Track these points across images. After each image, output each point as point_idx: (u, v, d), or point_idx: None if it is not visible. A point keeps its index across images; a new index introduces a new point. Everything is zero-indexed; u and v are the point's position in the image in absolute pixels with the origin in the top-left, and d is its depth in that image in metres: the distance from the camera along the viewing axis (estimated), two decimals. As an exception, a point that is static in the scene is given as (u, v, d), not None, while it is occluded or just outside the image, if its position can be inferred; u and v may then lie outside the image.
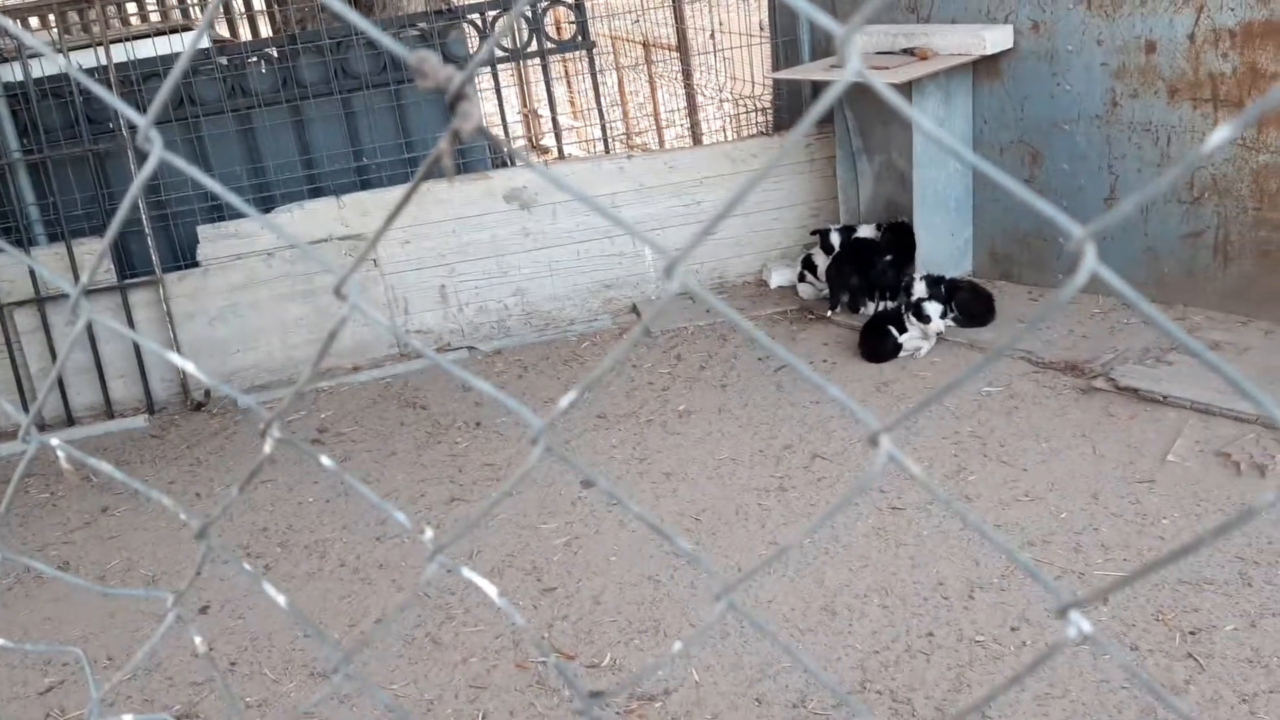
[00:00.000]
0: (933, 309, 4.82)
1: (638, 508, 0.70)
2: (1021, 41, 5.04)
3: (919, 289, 4.95)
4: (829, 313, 5.48)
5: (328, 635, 3.58)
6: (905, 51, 5.20)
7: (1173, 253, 4.81)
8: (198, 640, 1.02)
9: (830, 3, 5.85)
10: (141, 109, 5.58)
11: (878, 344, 4.95)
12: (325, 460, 0.82)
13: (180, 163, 0.73)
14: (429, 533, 0.81)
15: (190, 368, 0.88)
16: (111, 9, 6.06)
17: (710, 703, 3.04)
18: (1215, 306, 4.73)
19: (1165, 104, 4.63)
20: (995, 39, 5.00)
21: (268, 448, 0.83)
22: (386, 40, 0.64)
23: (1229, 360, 4.33)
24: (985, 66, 5.20)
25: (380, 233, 0.69)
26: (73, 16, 7.12)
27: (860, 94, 5.52)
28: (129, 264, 5.68)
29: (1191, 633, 3.01)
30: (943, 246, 5.45)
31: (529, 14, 5.95)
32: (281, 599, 0.90)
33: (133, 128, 5.48)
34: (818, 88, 6.04)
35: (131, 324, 5.61)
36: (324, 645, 3.23)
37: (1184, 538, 3.43)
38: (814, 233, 5.69)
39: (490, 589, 0.79)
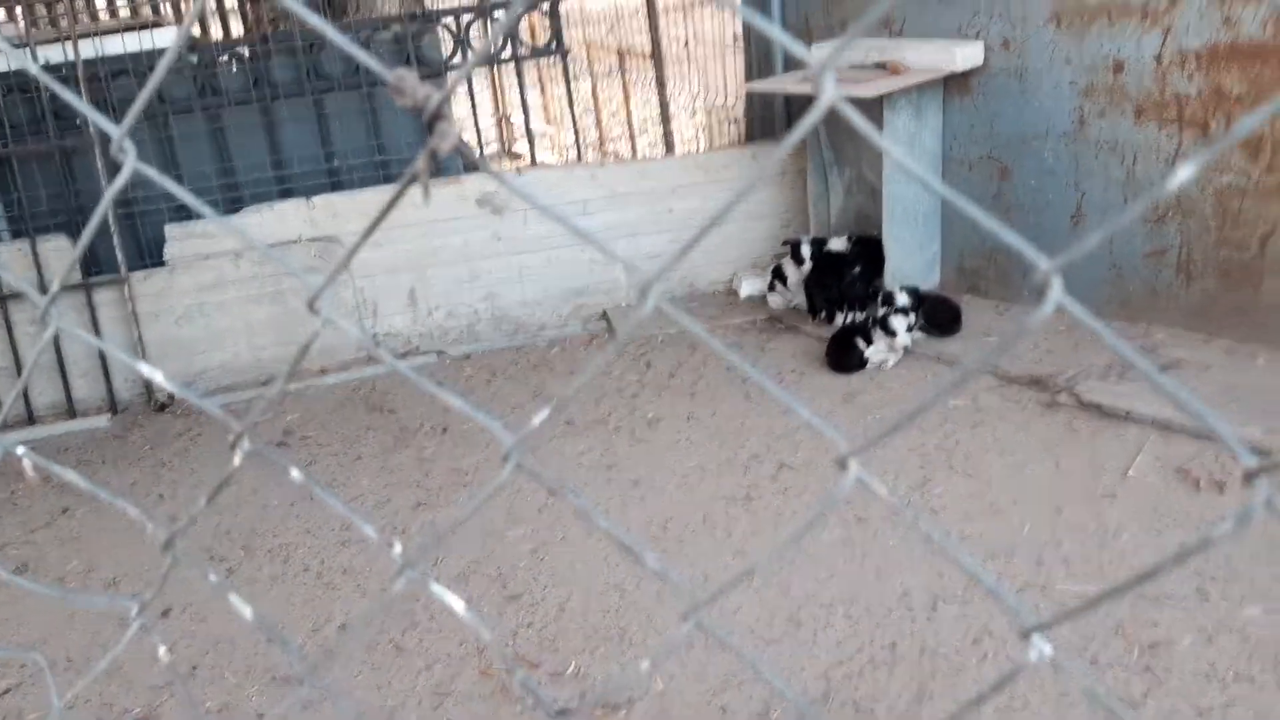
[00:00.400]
0: (898, 323, 4.86)
1: (606, 523, 0.71)
2: (992, 58, 5.09)
3: (901, 299, 4.98)
4: (812, 319, 5.51)
5: (293, 645, 3.55)
6: (877, 65, 5.24)
7: (1136, 271, 4.87)
8: (161, 650, 1.02)
9: (804, 19, 5.89)
10: (109, 106, 5.52)
11: (844, 356, 4.98)
12: (295, 473, 0.81)
13: (152, 173, 0.73)
14: (397, 547, 0.81)
15: (158, 377, 0.88)
16: (80, 3, 5.99)
17: (674, 712, 3.05)
18: (1178, 324, 4.79)
19: (1132, 123, 4.69)
20: (966, 55, 5.05)
21: (237, 460, 0.83)
22: (363, 57, 0.65)
23: (1190, 378, 4.39)
24: (956, 82, 5.25)
25: (354, 249, 0.69)
26: (40, 10, 7.04)
27: (832, 109, 5.54)
28: (94, 262, 5.61)
29: (1150, 646, 3.05)
30: (911, 260, 5.49)
31: (503, 19, 5.94)
32: (247, 611, 0.89)
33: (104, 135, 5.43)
34: (791, 100, 6.08)
35: (96, 323, 5.55)
36: (290, 655, 3.20)
37: (1144, 553, 3.47)
38: (785, 243, 5.72)
39: (458, 604, 0.79)
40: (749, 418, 4.68)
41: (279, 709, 3.16)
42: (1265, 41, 4.20)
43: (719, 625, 3.28)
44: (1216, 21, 4.31)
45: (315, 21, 0.70)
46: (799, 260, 5.56)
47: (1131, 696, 2.89)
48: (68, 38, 5.44)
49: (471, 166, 5.97)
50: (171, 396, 5.61)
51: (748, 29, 6.21)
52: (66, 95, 0.80)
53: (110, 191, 0.75)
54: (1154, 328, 4.84)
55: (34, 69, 0.85)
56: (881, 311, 4.96)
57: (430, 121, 0.62)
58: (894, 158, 0.57)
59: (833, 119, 5.69)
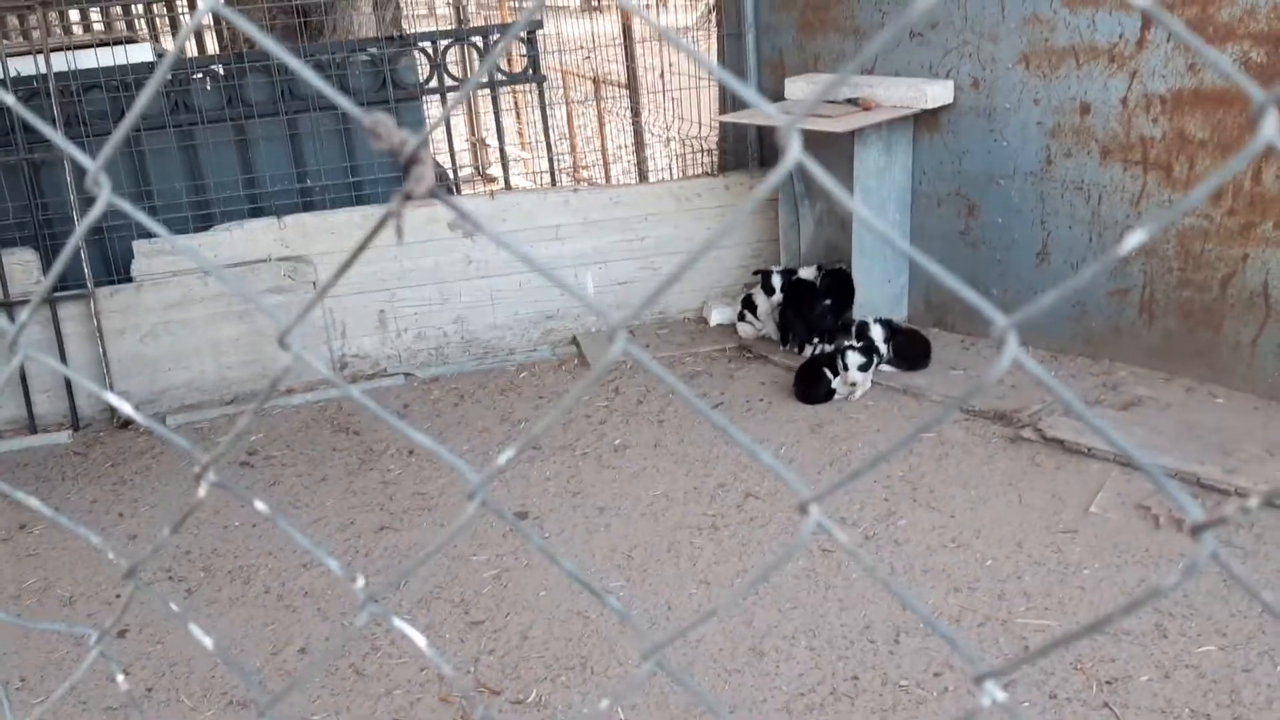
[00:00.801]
0: (852, 359, 4.90)
1: (571, 565, 0.71)
2: (962, 97, 5.17)
3: (876, 332, 5.04)
4: (782, 348, 5.56)
5: (252, 674, 3.52)
6: (849, 101, 5.30)
7: (1100, 309, 4.94)
8: (120, 677, 1.01)
9: (778, 53, 5.96)
10: (81, 120, 5.49)
11: (812, 387, 5.01)
12: (260, 505, 0.82)
13: (126, 206, 0.73)
14: (360, 580, 0.81)
15: (117, 401, 0.88)
16: (54, 16, 5.96)
17: (635, 742, 3.04)
18: (1140, 362, 4.86)
19: (1098, 164, 4.77)
20: (936, 93, 5.13)
21: (202, 491, 0.83)
22: (338, 97, 0.66)
23: (1151, 416, 4.45)
24: (926, 120, 5.33)
25: (327, 287, 0.70)
26: (12, 21, 7.00)
27: (805, 142, 5.61)
28: (60, 276, 5.56)
29: (1108, 682, 3.08)
30: (880, 292, 5.55)
31: (480, 44, 5.97)
32: (208, 641, 0.89)
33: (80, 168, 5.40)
34: (763, 131, 6.13)
35: (60, 337, 5.49)
36: (249, 686, 3.18)
37: (1104, 588, 3.51)
38: (756, 273, 5.76)
39: (420, 639, 0.79)
40: (716, 446, 4.70)
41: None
42: (1228, 88, 4.29)
43: (680, 654, 3.28)
44: (1181, 67, 4.40)
45: (288, 59, 0.71)
46: (769, 290, 5.60)
47: (1089, 732, 2.91)
48: (39, 51, 5.40)
49: (446, 190, 5.97)
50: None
51: (722, 61, 6.27)
52: (44, 128, 0.80)
53: (83, 226, 0.76)
54: (1116, 365, 4.91)
55: (6, 97, 0.86)
56: (848, 344, 5.00)
57: (406, 165, 0.63)
58: (860, 217, 0.59)
59: (806, 151, 5.75)
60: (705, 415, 0.67)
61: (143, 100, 0.71)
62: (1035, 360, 5.06)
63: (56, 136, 0.76)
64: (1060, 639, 0.68)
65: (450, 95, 5.97)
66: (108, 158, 0.71)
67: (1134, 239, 0.58)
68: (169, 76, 5.62)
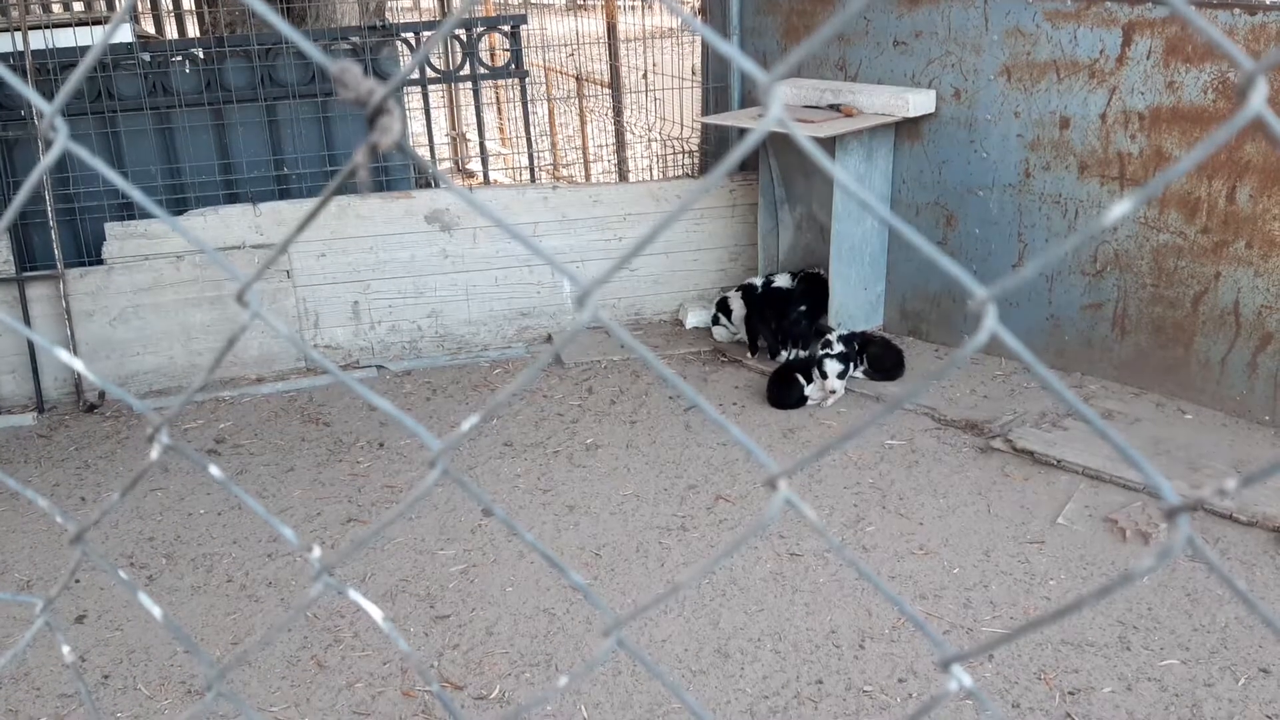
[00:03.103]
0: (831, 367, 4.89)
1: (532, 537, 0.69)
2: (943, 107, 5.19)
3: (837, 346, 4.99)
4: (751, 355, 5.52)
5: (204, 651, 3.47)
6: (831, 107, 5.31)
7: (1073, 323, 4.97)
8: (65, 650, 0.98)
9: (762, 57, 5.96)
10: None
11: (784, 392, 5.01)
12: (214, 470, 0.79)
13: (84, 153, 0.71)
14: (316, 551, 0.79)
15: (79, 365, 0.85)
16: (33, -6, 5.89)
17: (597, 740, 3.01)
18: (1111, 377, 4.89)
19: (1076, 178, 4.80)
20: (918, 102, 5.14)
21: (155, 454, 0.80)
22: (308, 46, 0.64)
23: (1120, 430, 4.47)
24: (907, 128, 5.34)
25: (288, 241, 0.68)
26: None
27: (784, 145, 5.62)
28: (29, 256, 5.49)
29: (1071, 693, 3.08)
30: (856, 299, 5.55)
31: (463, 37, 5.94)
32: (157, 610, 0.87)
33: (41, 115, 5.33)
34: (744, 134, 6.13)
35: (28, 318, 5.41)
36: (200, 661, 3.12)
37: (1069, 599, 3.51)
38: (738, 288, 5.73)
39: (376, 613, 0.77)
40: (688, 448, 4.68)
41: (184, 715, 3.08)
42: (1205, 107, 4.33)
43: (645, 653, 3.26)
44: (1160, 85, 4.43)
45: (272, 19, 0.69)
46: (751, 302, 5.58)
47: (1051, 741, 2.91)
48: (17, 28, 5.33)
49: (423, 183, 5.94)
50: (102, 397, 5.49)
51: (706, 63, 6.26)
52: (6, 75, 0.78)
53: (40, 167, 0.73)
54: (1087, 379, 4.93)
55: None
56: (821, 352, 4.99)
57: (372, 116, 0.61)
58: (840, 181, 0.57)
59: (785, 155, 5.76)
60: (671, 381, 0.65)
61: (98, 47, 0.69)
62: (1009, 370, 5.07)
63: (12, 77, 0.74)
64: (1028, 624, 0.67)
65: (405, 76, 5.93)
66: (63, 101, 0.68)
67: (1118, 209, 0.57)
68: (146, 58, 5.56)
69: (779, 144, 5.64)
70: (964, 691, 0.67)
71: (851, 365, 5.02)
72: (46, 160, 0.74)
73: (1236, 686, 3.07)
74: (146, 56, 5.59)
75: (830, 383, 4.90)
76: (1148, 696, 3.05)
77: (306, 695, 3.26)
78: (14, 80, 0.74)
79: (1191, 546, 0.59)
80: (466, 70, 6.00)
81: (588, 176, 8.02)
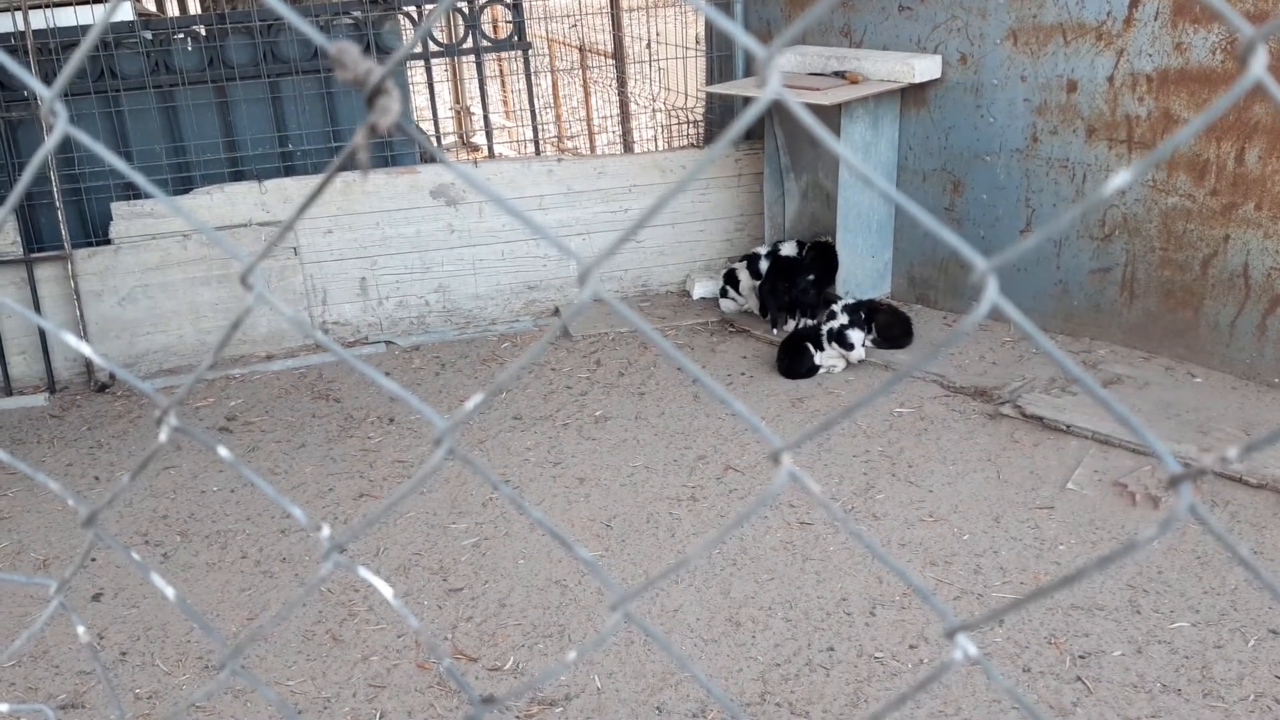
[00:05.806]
0: (855, 336, 4.89)
1: (538, 513, 0.70)
2: (949, 72, 5.15)
3: (841, 318, 4.97)
4: (773, 331, 5.45)
5: (216, 630, 3.51)
6: (836, 74, 5.27)
7: (1082, 287, 4.95)
8: (80, 629, 0.99)
9: (766, 26, 5.92)
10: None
11: (795, 361, 5.01)
12: (223, 451, 0.80)
13: (85, 138, 0.71)
14: (325, 530, 0.80)
15: (87, 350, 0.86)
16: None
17: (611, 710, 3.04)
18: (1120, 341, 4.88)
19: (1083, 142, 4.76)
20: (924, 68, 5.10)
21: (163, 436, 0.81)
22: (305, 25, 0.63)
23: (1130, 394, 4.47)
24: (913, 94, 5.30)
25: (291, 222, 0.68)
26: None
27: (790, 113, 5.58)
28: (37, 237, 5.50)
29: (1081, 657, 3.10)
30: (863, 267, 5.54)
31: (465, 10, 5.90)
32: (170, 591, 0.88)
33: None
34: (749, 103, 6.10)
35: (36, 299, 5.43)
36: (212, 638, 3.15)
37: (1079, 564, 3.52)
38: (744, 258, 5.71)
39: (386, 589, 0.78)
40: (697, 419, 4.69)
41: (200, 692, 3.11)
42: (1214, 68, 4.29)
43: (658, 624, 3.28)
44: (1168, 46, 4.39)
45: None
46: (755, 272, 5.56)
47: (1062, 705, 2.93)
48: (18, 7, 5.32)
49: (428, 158, 5.92)
50: (112, 377, 5.51)
51: (709, 32, 6.22)
52: (2, 56, 0.78)
53: (42, 152, 0.73)
54: (1096, 343, 4.92)
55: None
56: (836, 323, 4.97)
57: (371, 97, 0.61)
58: (841, 156, 0.57)
59: (790, 123, 5.73)
60: (674, 358, 0.65)
61: (97, 28, 0.69)
62: (1017, 336, 5.07)
63: (11, 63, 0.74)
64: (1034, 593, 0.67)
65: (403, 56, 5.90)
66: (63, 86, 0.68)
67: (1118, 180, 0.57)
68: (148, 36, 5.54)
69: (784, 112, 5.61)
70: (969, 660, 0.67)
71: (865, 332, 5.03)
72: (48, 144, 0.74)
73: (1246, 648, 3.08)
74: (148, 34, 5.57)
75: (856, 353, 4.90)
76: (1158, 659, 3.06)
77: (322, 669, 3.29)
78: (14, 67, 0.74)
79: (1195, 514, 0.59)
80: (469, 43, 5.97)
81: (592, 148, 7.99)
